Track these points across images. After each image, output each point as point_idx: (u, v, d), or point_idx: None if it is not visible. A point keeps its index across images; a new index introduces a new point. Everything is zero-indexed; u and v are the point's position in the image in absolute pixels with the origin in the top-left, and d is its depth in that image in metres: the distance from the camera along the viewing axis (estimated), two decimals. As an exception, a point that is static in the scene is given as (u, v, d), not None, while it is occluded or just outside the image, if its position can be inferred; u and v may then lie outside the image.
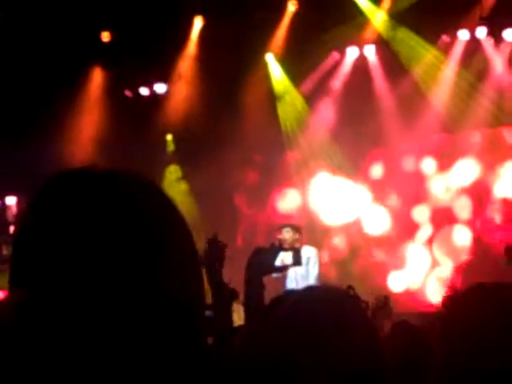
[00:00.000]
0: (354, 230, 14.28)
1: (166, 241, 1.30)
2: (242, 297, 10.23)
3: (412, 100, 13.49)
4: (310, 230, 14.05)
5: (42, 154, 12.85)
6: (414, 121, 13.45)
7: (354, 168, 14.24)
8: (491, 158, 13.44)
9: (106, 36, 14.02)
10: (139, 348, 1.24)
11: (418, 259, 13.82)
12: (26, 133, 13.07)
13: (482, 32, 13.25)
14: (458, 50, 13.58)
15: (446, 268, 13.49)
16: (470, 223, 13.58)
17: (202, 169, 13.84)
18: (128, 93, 14.94)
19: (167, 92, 14.79)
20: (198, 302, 1.33)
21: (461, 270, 12.87)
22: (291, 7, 13.75)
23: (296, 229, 10.91)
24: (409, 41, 13.58)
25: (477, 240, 13.35)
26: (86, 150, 13.48)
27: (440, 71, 13.70)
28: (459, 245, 13.60)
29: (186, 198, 14.22)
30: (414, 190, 13.91)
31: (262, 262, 10.40)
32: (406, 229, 13.98)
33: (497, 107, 13.16)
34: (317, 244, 13.74)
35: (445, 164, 13.84)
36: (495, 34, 13.27)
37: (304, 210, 14.56)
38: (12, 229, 14.16)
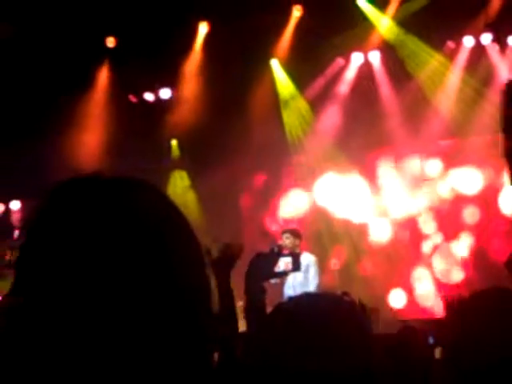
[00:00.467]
0: (359, 238, 14.25)
1: (173, 247, 1.30)
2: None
3: (417, 106, 13.49)
4: (316, 235, 14.09)
5: (46, 160, 12.88)
6: (419, 127, 13.45)
7: (359, 172, 14.25)
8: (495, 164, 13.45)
9: (111, 41, 14.05)
10: (147, 350, 1.24)
11: (422, 276, 13.80)
12: (31, 138, 13.09)
13: (487, 38, 13.26)
14: (463, 56, 13.59)
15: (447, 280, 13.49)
16: (475, 231, 13.56)
17: (207, 174, 13.84)
18: (133, 98, 14.95)
19: (172, 97, 14.80)
20: (206, 308, 1.32)
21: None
22: (296, 13, 13.77)
23: (296, 234, 10.91)
24: (414, 47, 13.58)
25: (479, 252, 13.33)
26: (91, 156, 13.49)
27: (445, 77, 13.70)
28: (458, 260, 13.61)
29: (191, 203, 14.23)
30: (421, 197, 13.91)
31: (261, 267, 10.41)
32: (411, 238, 13.96)
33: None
34: (323, 249, 13.79)
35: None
36: (500, 40, 13.27)
37: (310, 213, 14.55)
38: (16, 233, 14.18)
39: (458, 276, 13.53)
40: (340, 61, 14.28)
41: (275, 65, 14.44)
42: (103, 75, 14.59)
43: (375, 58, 14.02)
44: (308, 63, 13.80)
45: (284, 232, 11.01)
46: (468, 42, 13.42)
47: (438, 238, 13.83)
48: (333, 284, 13.52)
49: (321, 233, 14.26)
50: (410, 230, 13.94)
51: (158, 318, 1.25)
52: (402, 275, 13.84)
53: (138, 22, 13.13)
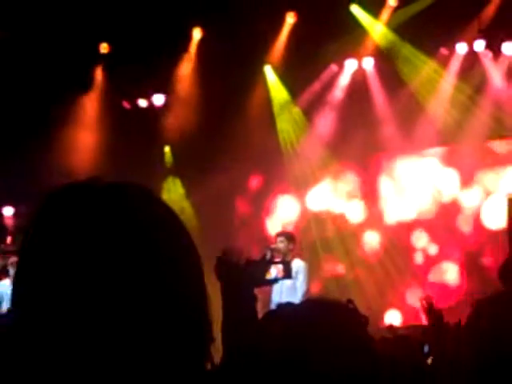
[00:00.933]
0: (353, 245, 14.25)
1: (170, 253, 1.30)
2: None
3: (410, 113, 13.50)
4: (309, 242, 14.09)
5: (39, 166, 12.86)
6: (412, 133, 13.46)
7: (351, 179, 14.27)
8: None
9: (104, 47, 14.04)
10: (143, 354, 1.24)
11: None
12: (24, 144, 13.07)
13: (480, 45, 13.28)
14: (456, 62, 13.60)
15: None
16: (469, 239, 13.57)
17: (200, 180, 13.83)
18: (126, 104, 14.94)
19: (165, 103, 14.78)
20: (202, 313, 1.32)
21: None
22: (290, 19, 13.78)
23: (290, 238, 10.89)
24: (407, 53, 13.60)
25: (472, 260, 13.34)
26: (84, 162, 13.47)
27: (438, 84, 13.71)
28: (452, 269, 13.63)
29: (185, 209, 14.20)
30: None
31: (253, 274, 10.42)
32: (404, 245, 13.96)
33: (495, 120, 13.17)
34: (315, 256, 13.79)
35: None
36: (493, 47, 13.29)
37: (303, 220, 14.55)
38: (9, 239, 14.15)
39: (450, 283, 13.55)
40: (334, 67, 14.28)
41: (269, 71, 14.44)
42: (97, 81, 14.57)
43: (369, 64, 14.03)
44: (302, 70, 13.80)
45: (278, 235, 10.97)
46: (461, 48, 13.44)
47: (431, 247, 13.82)
48: (324, 291, 13.55)
49: (314, 240, 14.26)
50: (403, 238, 13.92)
51: (153, 323, 1.25)
52: (395, 286, 13.82)
53: (131, 28, 13.13)
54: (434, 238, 13.77)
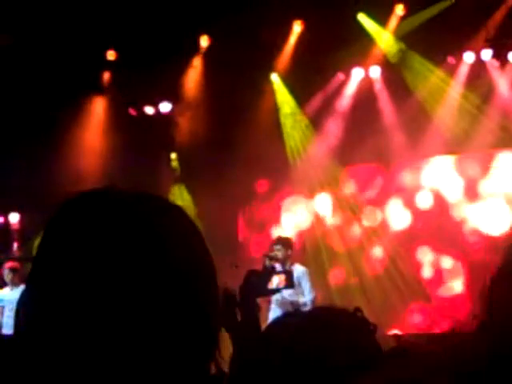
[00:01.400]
0: (358, 254, 14.23)
1: (187, 264, 1.29)
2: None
3: (417, 121, 13.49)
4: (315, 251, 14.09)
5: (45, 173, 12.88)
6: (419, 142, 13.45)
7: (358, 188, 14.27)
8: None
9: (111, 54, 14.06)
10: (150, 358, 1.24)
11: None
12: (30, 150, 13.08)
13: (487, 54, 13.27)
14: (463, 71, 13.60)
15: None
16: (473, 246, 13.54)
17: (206, 188, 13.83)
18: (133, 111, 14.95)
19: (172, 111, 14.80)
20: (211, 323, 1.31)
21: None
22: (297, 28, 13.79)
23: (287, 244, 10.82)
24: (414, 62, 13.61)
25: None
26: (91, 169, 13.48)
27: (445, 93, 13.70)
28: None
29: (193, 217, 14.18)
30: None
31: (255, 283, 10.40)
32: (409, 253, 13.94)
33: (502, 129, 13.15)
34: (322, 265, 13.79)
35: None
36: (500, 56, 13.29)
37: (308, 228, 14.54)
38: (15, 246, 14.17)
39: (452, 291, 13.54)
40: (341, 76, 14.29)
41: (276, 79, 14.45)
42: (104, 88, 14.59)
43: (376, 73, 14.03)
44: (308, 78, 13.82)
45: (275, 243, 10.89)
46: (468, 57, 13.43)
47: (435, 257, 13.80)
48: (330, 299, 13.52)
49: (320, 247, 14.25)
50: (408, 247, 13.90)
51: (164, 333, 1.25)
52: (401, 295, 13.79)
53: (138, 36, 13.16)
54: (438, 248, 13.73)
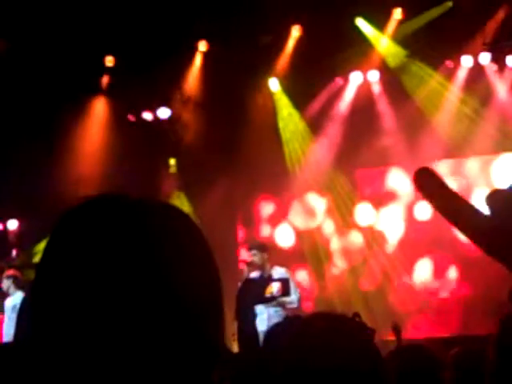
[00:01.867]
0: (357, 258, 14.23)
1: (193, 274, 1.28)
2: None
3: (415, 126, 13.50)
4: (313, 253, 14.11)
5: (44, 180, 12.88)
6: (418, 146, 13.44)
7: (356, 192, 14.27)
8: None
9: (109, 60, 14.07)
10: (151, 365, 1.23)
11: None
12: (29, 158, 13.07)
13: (485, 58, 13.28)
14: (461, 75, 13.61)
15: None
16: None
17: (205, 194, 13.84)
18: (131, 117, 14.95)
19: (170, 117, 14.80)
20: (214, 332, 1.30)
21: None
22: (295, 32, 13.80)
23: (262, 248, 10.83)
24: (412, 66, 13.62)
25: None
26: (89, 176, 13.47)
27: (443, 97, 13.71)
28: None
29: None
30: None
31: (251, 291, 10.41)
32: (405, 259, 13.94)
33: (500, 133, 13.16)
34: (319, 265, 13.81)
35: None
36: (499, 60, 13.30)
37: (310, 233, 14.56)
38: (14, 252, 14.15)
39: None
40: (339, 80, 14.30)
41: (274, 84, 14.45)
42: (101, 94, 14.59)
43: (374, 77, 14.04)
44: (307, 82, 13.83)
45: (250, 249, 10.88)
46: (466, 61, 13.44)
47: (431, 261, 13.81)
48: (330, 300, 13.53)
49: (318, 252, 14.26)
50: (406, 252, 13.90)
51: (168, 342, 1.24)
52: (399, 299, 13.80)
53: (137, 41, 13.16)
54: (438, 254, 13.73)
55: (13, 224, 14.72)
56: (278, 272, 10.71)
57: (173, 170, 15.21)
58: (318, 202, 14.53)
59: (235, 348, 10.08)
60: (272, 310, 10.33)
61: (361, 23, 13.68)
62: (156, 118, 14.89)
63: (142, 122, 14.91)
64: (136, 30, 12.93)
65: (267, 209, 14.91)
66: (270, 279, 10.57)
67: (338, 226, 14.42)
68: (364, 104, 13.95)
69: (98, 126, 14.64)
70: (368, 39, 13.71)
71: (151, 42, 13.08)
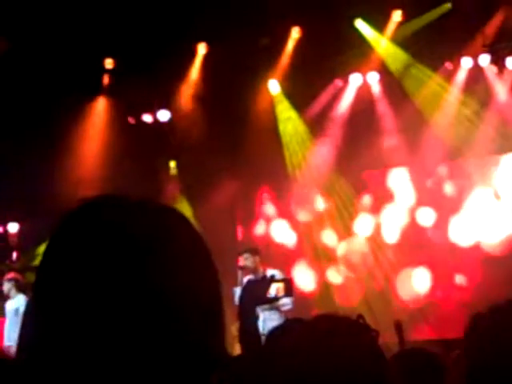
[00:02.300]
0: (357, 260, 14.23)
1: (193, 279, 1.28)
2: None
3: (415, 127, 13.49)
4: (314, 254, 14.11)
5: (44, 182, 12.87)
6: (418, 148, 13.44)
7: (355, 195, 14.27)
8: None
9: (109, 63, 14.07)
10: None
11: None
12: (29, 160, 13.07)
13: (485, 60, 13.27)
14: (461, 77, 13.61)
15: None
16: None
17: (205, 196, 13.83)
18: (131, 120, 14.94)
19: (170, 119, 14.79)
20: (218, 353, 1.30)
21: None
22: (295, 34, 13.80)
23: (254, 252, 10.81)
24: (412, 68, 13.62)
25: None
26: (89, 179, 13.47)
27: (443, 99, 13.71)
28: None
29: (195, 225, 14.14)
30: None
31: (254, 292, 10.39)
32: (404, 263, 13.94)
33: (500, 135, 13.16)
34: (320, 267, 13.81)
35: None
36: (498, 61, 13.29)
37: (311, 235, 14.55)
38: (14, 255, 14.15)
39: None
40: (338, 82, 14.29)
41: (274, 86, 14.45)
42: (101, 97, 14.59)
43: (374, 79, 14.04)
44: (306, 84, 13.82)
45: (242, 253, 10.86)
46: (466, 63, 13.44)
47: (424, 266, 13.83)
48: (331, 302, 13.53)
49: (319, 253, 14.27)
50: (406, 254, 13.89)
51: (167, 350, 1.23)
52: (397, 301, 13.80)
53: (136, 43, 13.16)
54: (435, 254, 13.73)
55: (13, 227, 14.71)
56: (271, 274, 10.70)
57: (173, 172, 15.21)
58: (319, 203, 14.52)
59: (237, 349, 10.06)
60: (267, 312, 10.32)
61: (360, 25, 13.69)
62: (156, 120, 14.88)
63: (142, 125, 14.91)
64: (136, 31, 12.93)
65: (269, 211, 14.89)
66: (273, 279, 10.54)
67: (339, 229, 14.40)
68: (363, 106, 13.95)
69: (99, 129, 14.63)
70: (367, 41, 13.71)
71: (151, 43, 13.08)
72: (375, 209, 14.22)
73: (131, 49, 13.36)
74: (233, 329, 10.01)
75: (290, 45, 13.89)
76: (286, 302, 10.48)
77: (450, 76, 13.67)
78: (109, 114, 14.66)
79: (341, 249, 14.32)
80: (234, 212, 14.65)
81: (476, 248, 13.40)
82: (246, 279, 10.68)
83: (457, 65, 13.55)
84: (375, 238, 14.18)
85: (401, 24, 13.52)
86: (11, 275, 11.18)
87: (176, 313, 1.24)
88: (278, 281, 10.45)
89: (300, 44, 13.75)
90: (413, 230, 13.86)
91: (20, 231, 14.57)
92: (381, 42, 13.73)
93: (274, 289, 10.41)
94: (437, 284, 13.69)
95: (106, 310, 1.21)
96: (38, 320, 1.26)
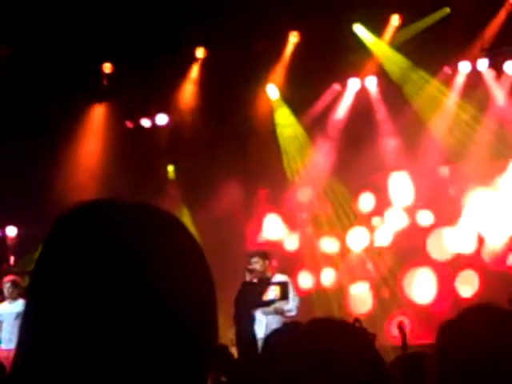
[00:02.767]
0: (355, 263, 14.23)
1: (187, 287, 1.27)
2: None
3: (413, 132, 13.49)
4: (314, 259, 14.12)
5: (42, 186, 12.87)
6: (416, 152, 13.44)
7: (354, 199, 14.27)
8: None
9: (107, 67, 14.07)
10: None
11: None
12: (27, 164, 13.07)
13: (483, 64, 13.29)
14: (459, 81, 13.62)
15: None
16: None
17: (204, 200, 13.83)
18: (129, 124, 14.94)
19: (169, 123, 14.80)
20: (207, 347, 1.30)
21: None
22: (293, 39, 13.82)
23: (264, 256, 10.76)
24: (410, 72, 13.62)
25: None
26: (87, 182, 13.47)
27: (441, 103, 13.72)
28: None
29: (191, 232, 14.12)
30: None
31: (250, 296, 10.38)
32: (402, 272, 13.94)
33: (498, 139, 13.16)
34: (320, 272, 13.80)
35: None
36: (496, 66, 13.31)
37: (309, 242, 14.54)
38: (12, 259, 14.14)
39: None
40: (337, 86, 14.30)
41: (272, 90, 14.45)
42: (100, 101, 14.59)
43: (372, 83, 14.05)
44: (305, 89, 13.82)
45: (252, 256, 10.80)
46: (464, 67, 13.46)
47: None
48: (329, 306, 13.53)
49: (317, 257, 14.27)
50: (406, 257, 13.89)
51: (161, 358, 1.23)
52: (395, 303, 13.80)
53: (134, 48, 13.17)
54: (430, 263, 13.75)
55: (12, 231, 14.71)
56: (280, 279, 10.69)
57: (171, 176, 15.20)
58: (318, 208, 14.50)
59: (234, 352, 10.05)
60: (271, 317, 10.30)
61: (358, 29, 13.70)
62: (154, 125, 14.89)
63: (141, 129, 14.91)
64: (134, 36, 12.94)
65: (268, 215, 14.87)
66: (269, 283, 10.54)
67: (338, 233, 14.40)
68: (362, 110, 13.95)
69: (97, 133, 14.64)
70: (366, 45, 13.72)
71: (149, 48, 13.09)
72: (374, 213, 14.21)
73: (129, 53, 13.37)
74: (230, 332, 10.02)
75: (289, 49, 13.91)
76: (290, 309, 10.46)
77: (448, 80, 13.69)
78: (107, 118, 14.66)
79: (340, 253, 14.31)
80: (232, 216, 14.63)
81: (477, 250, 13.42)
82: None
83: (455, 69, 13.57)
84: (374, 242, 14.18)
85: (399, 28, 13.54)
86: (10, 278, 11.16)
87: (169, 316, 1.23)
88: (274, 284, 10.48)
89: (298, 48, 13.77)
90: (412, 233, 13.85)
91: (18, 235, 14.56)
92: (379, 46, 13.73)
93: (273, 292, 10.44)
94: (439, 286, 13.70)
95: (99, 310, 1.20)
96: (33, 322, 1.26)
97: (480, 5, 12.76)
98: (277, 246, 14.55)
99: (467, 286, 13.38)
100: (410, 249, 13.82)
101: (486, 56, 13.22)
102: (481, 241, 13.44)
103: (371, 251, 14.18)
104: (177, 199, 14.97)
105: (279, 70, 14.12)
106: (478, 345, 2.04)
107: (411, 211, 13.96)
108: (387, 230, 14.08)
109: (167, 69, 13.43)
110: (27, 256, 13.29)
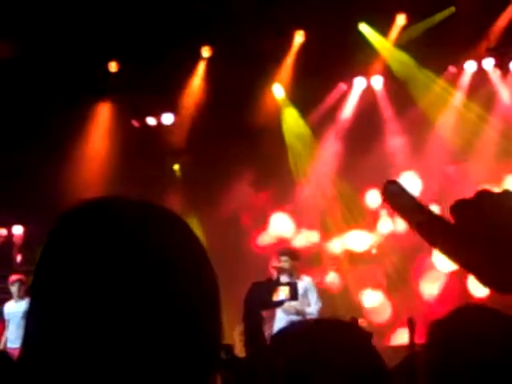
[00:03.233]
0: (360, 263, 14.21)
1: (190, 285, 1.27)
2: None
3: (419, 131, 13.49)
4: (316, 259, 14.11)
5: (49, 185, 12.88)
6: (422, 152, 13.44)
7: (361, 198, 14.25)
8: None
9: (113, 66, 14.08)
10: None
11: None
12: (33, 163, 13.09)
13: (489, 63, 13.28)
14: (465, 81, 13.61)
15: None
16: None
17: (209, 199, 13.83)
18: (135, 123, 14.95)
19: (174, 122, 14.80)
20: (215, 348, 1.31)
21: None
22: (299, 38, 13.81)
23: (294, 256, 10.73)
24: (416, 72, 13.61)
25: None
26: (94, 181, 13.49)
27: (447, 102, 13.71)
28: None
29: (194, 229, 14.11)
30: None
31: (259, 296, 10.34)
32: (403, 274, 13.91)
33: (504, 138, 13.15)
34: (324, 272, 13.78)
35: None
36: (502, 65, 13.31)
37: (316, 242, 14.52)
38: (19, 258, 14.16)
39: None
40: (343, 86, 14.29)
41: (278, 89, 14.45)
42: (105, 100, 14.60)
43: (378, 82, 14.04)
44: (310, 88, 13.80)
45: (282, 254, 10.75)
46: (470, 66, 13.45)
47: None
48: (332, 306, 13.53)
49: (321, 258, 14.26)
50: (412, 257, 13.87)
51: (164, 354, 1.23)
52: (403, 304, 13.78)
53: (140, 47, 13.18)
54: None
55: (18, 230, 14.74)
56: (305, 281, 10.66)
57: (177, 175, 15.21)
58: (324, 207, 14.48)
59: (242, 351, 10.04)
60: (293, 317, 10.24)
61: (364, 28, 13.69)
62: (160, 124, 14.89)
63: (147, 128, 14.92)
64: (140, 35, 12.95)
65: (274, 216, 14.85)
66: (278, 283, 10.50)
67: (345, 232, 14.38)
68: (368, 109, 13.95)
69: (102, 132, 14.65)
70: (372, 45, 13.71)
71: (155, 47, 13.10)
72: (380, 212, 14.20)
73: (135, 52, 13.38)
74: (237, 332, 10.01)
75: (294, 48, 13.91)
76: (311, 312, 10.42)
77: (454, 79, 13.67)
78: (113, 117, 14.67)
79: (346, 253, 14.30)
80: (238, 216, 14.63)
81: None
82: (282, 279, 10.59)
83: (461, 68, 13.56)
84: (381, 242, 14.17)
85: (405, 28, 13.53)
86: (17, 276, 11.17)
87: (173, 310, 1.24)
88: (283, 284, 10.45)
89: (304, 48, 13.76)
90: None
91: (25, 234, 14.59)
92: (385, 45, 13.73)
93: (283, 293, 10.41)
94: (450, 287, 13.66)
95: (103, 306, 1.21)
96: (37, 318, 1.27)
97: (485, 4, 12.75)
98: (284, 244, 14.55)
99: (480, 285, 13.31)
100: (418, 249, 13.80)
101: (491, 55, 13.21)
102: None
103: (378, 251, 14.17)
104: (183, 198, 14.98)
105: (285, 69, 14.11)
106: (468, 344, 2.06)
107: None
108: (394, 229, 14.05)
109: (173, 68, 13.44)
110: (34, 255, 13.30)
